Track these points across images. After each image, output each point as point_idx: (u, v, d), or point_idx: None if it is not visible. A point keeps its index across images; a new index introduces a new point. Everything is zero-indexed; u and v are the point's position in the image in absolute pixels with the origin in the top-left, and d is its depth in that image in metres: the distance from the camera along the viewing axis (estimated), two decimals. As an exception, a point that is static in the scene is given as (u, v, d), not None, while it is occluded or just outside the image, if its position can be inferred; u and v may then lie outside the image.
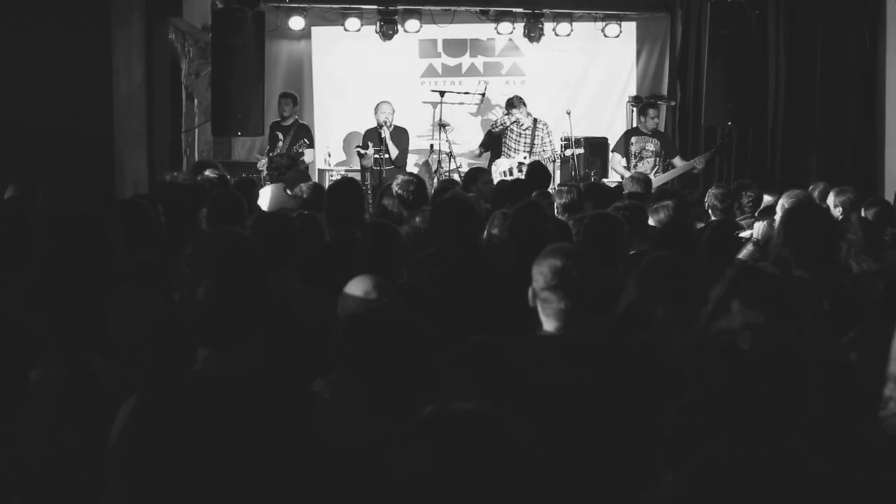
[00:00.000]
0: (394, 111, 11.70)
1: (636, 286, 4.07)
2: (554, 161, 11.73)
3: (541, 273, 3.65)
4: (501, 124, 11.90)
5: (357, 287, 3.76)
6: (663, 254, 4.38)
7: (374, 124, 11.67)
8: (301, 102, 13.67)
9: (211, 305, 2.62)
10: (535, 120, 11.69)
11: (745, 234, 5.02)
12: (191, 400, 2.55)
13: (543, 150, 11.61)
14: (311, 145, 11.86)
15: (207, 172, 7.64)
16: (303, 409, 2.62)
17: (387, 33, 13.40)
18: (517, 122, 11.70)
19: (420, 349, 3.10)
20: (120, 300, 3.76)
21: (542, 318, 3.68)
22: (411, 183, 7.16)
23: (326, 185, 10.82)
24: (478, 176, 8.89)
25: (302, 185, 7.61)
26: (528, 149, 11.59)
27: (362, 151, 11.57)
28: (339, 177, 11.19)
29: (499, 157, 12.10)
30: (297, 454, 2.50)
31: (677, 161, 11.52)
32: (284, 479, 2.47)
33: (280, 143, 11.64)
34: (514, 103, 11.73)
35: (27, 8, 8.64)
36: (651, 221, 6.61)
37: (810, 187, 8.34)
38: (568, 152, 11.77)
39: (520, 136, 11.68)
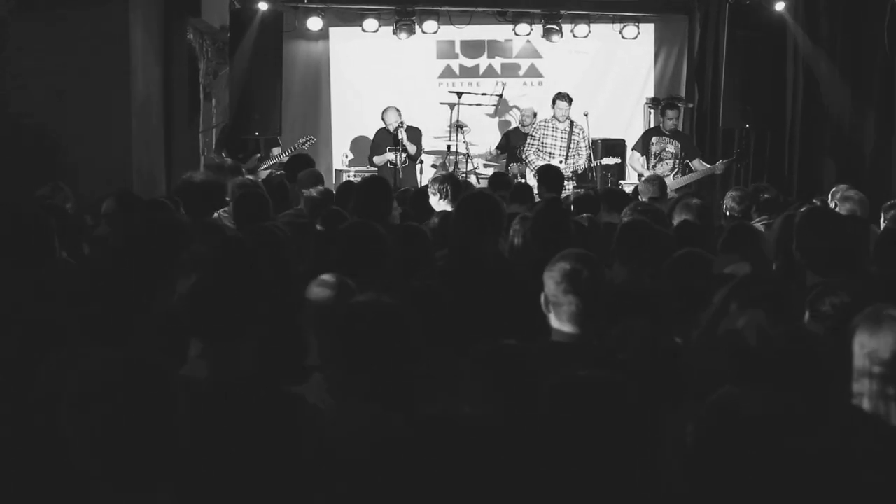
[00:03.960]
0: (399, 113, 11.64)
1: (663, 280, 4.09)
2: (589, 166, 11.66)
3: (552, 278, 3.66)
4: (538, 127, 11.78)
5: (321, 285, 3.79)
6: (692, 249, 4.38)
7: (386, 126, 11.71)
8: (318, 102, 13.73)
9: (198, 298, 2.64)
10: (571, 122, 11.60)
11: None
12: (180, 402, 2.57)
13: (578, 155, 11.53)
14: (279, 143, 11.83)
15: (219, 162, 7.61)
16: (286, 413, 2.63)
17: (404, 34, 13.40)
18: (556, 118, 11.56)
19: (411, 342, 3.10)
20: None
21: (556, 322, 3.66)
22: (447, 179, 7.19)
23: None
24: (508, 183, 8.80)
25: (312, 189, 7.59)
26: (563, 153, 11.49)
27: (378, 160, 11.60)
28: (354, 177, 11.21)
29: (514, 160, 12.07)
30: (280, 456, 2.52)
31: (697, 163, 11.48)
32: (267, 481, 2.49)
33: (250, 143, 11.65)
34: (563, 96, 11.58)
35: (46, 8, 8.68)
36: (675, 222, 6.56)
37: (833, 189, 8.28)
38: (607, 161, 11.73)
39: (555, 139, 11.57)
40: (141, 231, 4.24)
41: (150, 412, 2.12)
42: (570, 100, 11.58)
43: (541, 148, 11.52)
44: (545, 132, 11.58)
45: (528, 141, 11.73)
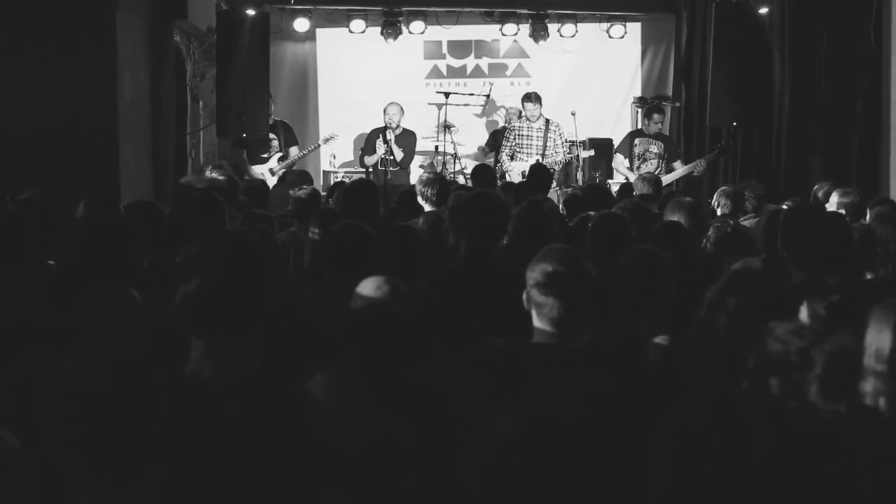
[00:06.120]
0: (402, 112, 11.72)
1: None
2: (569, 162, 11.71)
3: (533, 279, 3.63)
4: (512, 128, 11.81)
5: (368, 286, 3.73)
6: (644, 247, 4.36)
7: (381, 125, 11.72)
8: (306, 103, 13.73)
9: (203, 300, 2.63)
10: (547, 121, 11.62)
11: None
12: (185, 403, 2.56)
13: (556, 152, 11.54)
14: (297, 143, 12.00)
15: (214, 174, 7.54)
16: (294, 411, 2.62)
17: (391, 35, 13.40)
18: (528, 119, 11.60)
19: (420, 345, 3.09)
20: (96, 301, 3.73)
21: (538, 322, 3.64)
22: (435, 183, 7.18)
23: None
24: (486, 175, 8.82)
25: (298, 189, 7.58)
26: (540, 151, 11.51)
27: (369, 161, 11.65)
28: (343, 178, 11.21)
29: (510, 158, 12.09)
30: (289, 455, 2.51)
31: (677, 165, 11.49)
32: (276, 481, 2.48)
33: (276, 143, 11.69)
34: (529, 97, 11.68)
35: (32, 10, 8.65)
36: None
37: (815, 187, 8.32)
38: (584, 154, 11.76)
39: (531, 139, 11.60)
40: (75, 233, 4.21)
41: (133, 410, 2.11)
42: (537, 99, 11.62)
43: (517, 150, 11.55)
44: (519, 133, 11.62)
45: (503, 143, 11.77)
